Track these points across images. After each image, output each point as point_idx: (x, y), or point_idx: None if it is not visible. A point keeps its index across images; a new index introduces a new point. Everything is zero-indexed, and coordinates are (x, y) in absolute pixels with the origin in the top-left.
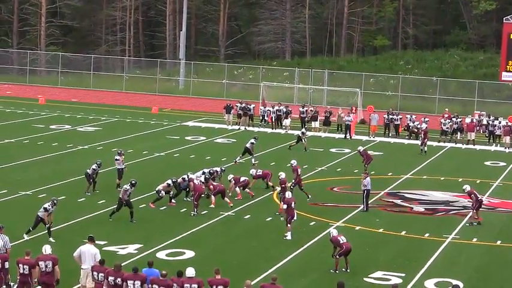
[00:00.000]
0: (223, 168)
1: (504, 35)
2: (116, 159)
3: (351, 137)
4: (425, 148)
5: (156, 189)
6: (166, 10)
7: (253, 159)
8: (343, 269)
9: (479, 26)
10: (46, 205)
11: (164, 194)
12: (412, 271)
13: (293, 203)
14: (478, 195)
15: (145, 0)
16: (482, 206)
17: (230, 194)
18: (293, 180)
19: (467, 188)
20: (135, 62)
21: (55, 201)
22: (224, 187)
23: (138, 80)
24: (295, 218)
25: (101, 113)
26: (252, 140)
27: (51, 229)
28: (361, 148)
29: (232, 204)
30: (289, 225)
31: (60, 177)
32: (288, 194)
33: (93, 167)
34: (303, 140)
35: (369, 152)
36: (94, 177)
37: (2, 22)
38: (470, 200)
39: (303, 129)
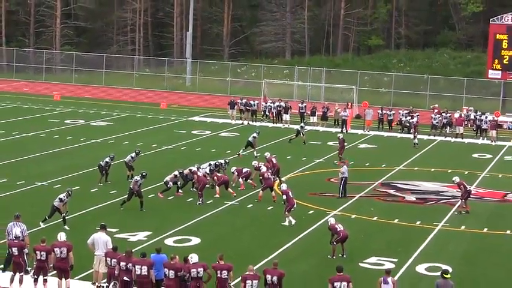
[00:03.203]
0: (227, 161)
1: (490, 35)
2: (133, 157)
3: (347, 131)
4: (416, 140)
5: (164, 180)
6: (174, 12)
7: (255, 152)
8: (340, 255)
9: (467, 27)
10: (61, 196)
11: (172, 184)
12: (404, 257)
13: (290, 192)
14: (467, 186)
15: (154, 2)
16: (470, 196)
17: (234, 185)
18: (270, 170)
19: (456, 179)
20: (144, 60)
21: (70, 191)
22: (228, 178)
23: (147, 78)
24: (295, 206)
25: (113, 109)
26: (254, 134)
27: (66, 218)
28: (340, 135)
29: (235, 195)
30: (287, 213)
31: (74, 169)
32: (284, 186)
33: (106, 159)
34: (301, 133)
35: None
36: (107, 169)
37: (20, 24)
38: (459, 190)
39: (302, 124)
